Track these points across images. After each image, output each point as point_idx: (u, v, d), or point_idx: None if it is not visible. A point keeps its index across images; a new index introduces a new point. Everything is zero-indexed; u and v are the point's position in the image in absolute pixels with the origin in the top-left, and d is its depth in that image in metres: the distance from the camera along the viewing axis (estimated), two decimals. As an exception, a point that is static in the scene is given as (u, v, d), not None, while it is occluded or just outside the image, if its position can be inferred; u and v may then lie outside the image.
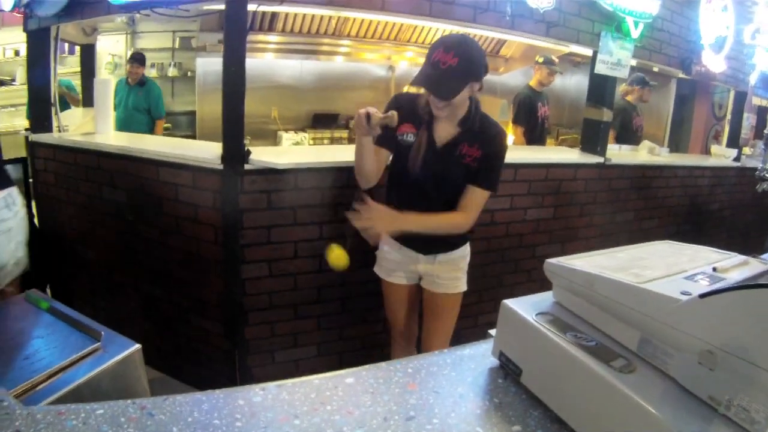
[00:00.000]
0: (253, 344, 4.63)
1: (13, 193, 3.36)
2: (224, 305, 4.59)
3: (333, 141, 10.06)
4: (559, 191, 5.61)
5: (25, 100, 8.94)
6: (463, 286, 3.97)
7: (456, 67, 3.25)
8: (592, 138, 6.16)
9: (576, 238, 5.93)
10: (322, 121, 10.35)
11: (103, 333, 2.34)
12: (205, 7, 5.02)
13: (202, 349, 4.89)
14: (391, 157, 3.78)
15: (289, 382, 1.72)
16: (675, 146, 9.48)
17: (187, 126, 10.93)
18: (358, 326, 4.90)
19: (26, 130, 7.63)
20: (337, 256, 3.69)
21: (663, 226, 7.07)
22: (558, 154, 6.00)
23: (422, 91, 3.51)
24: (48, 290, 6.22)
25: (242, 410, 1.59)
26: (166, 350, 4.86)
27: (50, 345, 2.32)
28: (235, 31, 4.22)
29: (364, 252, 4.20)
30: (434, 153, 3.59)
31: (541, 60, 7.81)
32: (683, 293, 1.42)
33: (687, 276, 1.59)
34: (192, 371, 5.00)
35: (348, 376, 1.77)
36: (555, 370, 1.61)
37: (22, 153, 9.31)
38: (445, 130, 3.61)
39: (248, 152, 4.25)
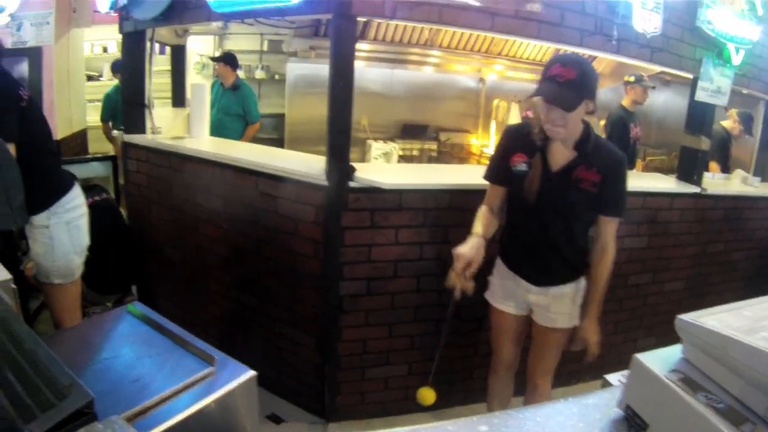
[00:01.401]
0: (345, 360, 4.65)
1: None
2: (319, 320, 4.62)
3: (422, 152, 10.05)
4: (654, 220, 5.54)
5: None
6: (575, 321, 3.88)
7: (574, 80, 3.26)
8: (689, 166, 6.05)
9: (668, 268, 5.85)
10: (412, 132, 10.33)
11: (216, 357, 2.27)
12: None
13: (291, 360, 4.91)
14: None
15: (423, 427, 1.73)
16: (761, 171, 9.28)
17: (272, 129, 10.98)
18: (452, 348, 4.83)
19: (118, 129, 7.74)
20: (425, 395, 4.00)
21: (751, 259, 6.94)
22: (655, 182, 5.92)
23: (533, 114, 3.54)
24: (134, 290, 6.31)
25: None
26: (252, 359, 4.89)
27: (159, 367, 2.25)
28: (344, 47, 4.21)
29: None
30: (549, 179, 3.56)
31: (632, 79, 7.64)
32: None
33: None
34: (279, 381, 5.01)
35: (481, 424, 1.77)
36: (683, 428, 1.59)
37: (108, 146, 9.47)
38: (559, 155, 3.57)
39: (353, 169, 4.27)
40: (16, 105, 3.87)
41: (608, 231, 3.67)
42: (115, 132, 8.59)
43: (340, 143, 4.28)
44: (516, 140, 3.71)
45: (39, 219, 3.96)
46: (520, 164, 3.64)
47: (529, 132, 3.64)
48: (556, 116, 3.36)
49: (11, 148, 3.61)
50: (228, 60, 8.87)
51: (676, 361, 1.80)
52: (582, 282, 3.86)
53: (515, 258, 3.89)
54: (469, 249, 3.52)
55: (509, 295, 3.93)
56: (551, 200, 3.56)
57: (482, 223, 3.71)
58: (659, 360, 1.80)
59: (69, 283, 4.30)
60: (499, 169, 3.79)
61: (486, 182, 3.88)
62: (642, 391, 1.79)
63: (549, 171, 3.57)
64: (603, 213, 3.62)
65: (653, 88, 7.85)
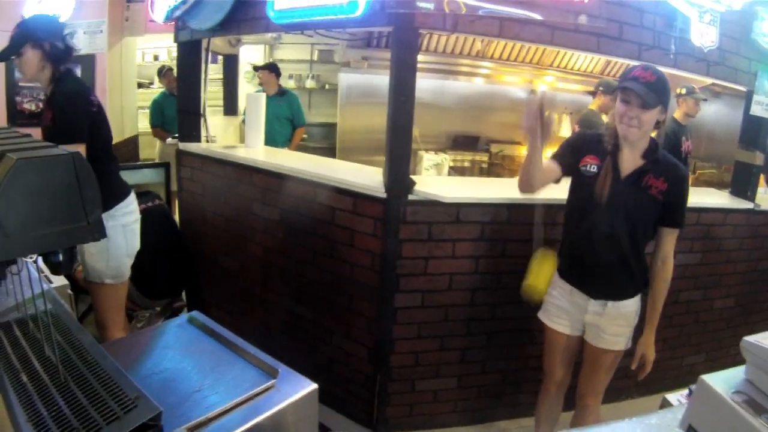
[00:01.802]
0: (396, 371, 4.66)
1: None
2: (373, 331, 4.62)
3: (473, 164, 10.04)
4: (707, 236, 5.51)
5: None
6: (627, 344, 3.88)
7: (654, 83, 3.39)
8: (742, 182, 5.99)
9: (719, 284, 5.79)
10: (463, 143, 10.33)
11: (279, 370, 2.26)
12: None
13: (342, 370, 4.92)
14: (558, 178, 3.84)
15: None
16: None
17: (321, 137, 11.07)
18: (502, 362, 4.88)
19: (173, 137, 7.84)
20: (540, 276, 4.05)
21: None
22: (708, 198, 5.86)
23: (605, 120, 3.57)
24: (183, 296, 6.35)
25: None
26: (303, 368, 4.88)
27: (221, 378, 2.25)
28: (405, 60, 4.24)
29: (515, 289, 4.21)
30: (618, 183, 3.61)
31: (683, 91, 7.51)
32: None
33: None
34: (328, 391, 5.00)
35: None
36: (746, 450, 1.59)
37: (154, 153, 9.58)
38: (629, 161, 3.63)
39: (413, 183, 4.29)
40: (88, 109, 4.07)
41: (669, 242, 3.72)
42: (169, 140, 8.69)
43: (400, 157, 4.30)
44: (590, 143, 3.78)
45: None
46: (591, 165, 3.70)
47: (599, 140, 3.72)
48: (632, 114, 3.43)
49: (81, 149, 3.72)
50: (273, 68, 9.16)
51: (739, 383, 1.82)
52: (638, 303, 3.86)
53: (577, 269, 3.88)
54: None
55: (565, 314, 3.93)
56: (621, 203, 3.60)
57: None
58: (723, 381, 1.82)
59: (119, 283, 4.43)
60: (568, 156, 3.83)
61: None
62: (705, 411, 1.81)
63: (619, 175, 3.62)
64: (665, 224, 3.68)
65: (705, 100, 7.75)
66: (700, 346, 5.87)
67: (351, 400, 4.95)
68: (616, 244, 3.66)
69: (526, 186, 3.70)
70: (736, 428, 1.63)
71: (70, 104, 4.00)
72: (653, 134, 3.67)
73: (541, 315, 4.09)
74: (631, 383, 5.27)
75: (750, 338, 1.81)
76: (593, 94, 7.74)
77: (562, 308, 3.93)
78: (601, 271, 3.72)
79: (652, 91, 3.36)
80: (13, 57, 4.06)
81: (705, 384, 1.80)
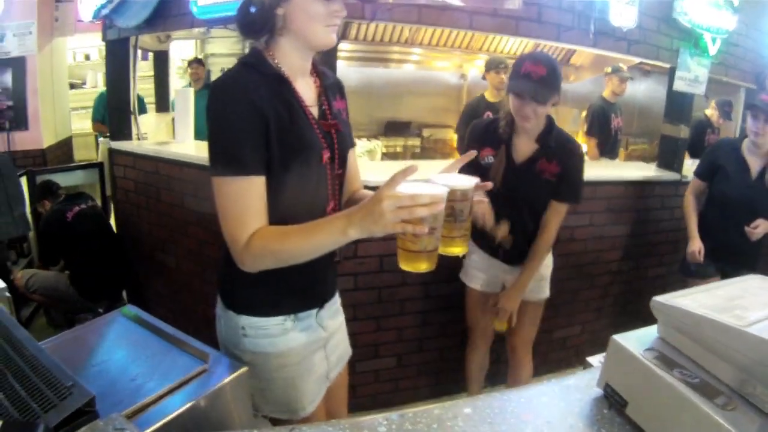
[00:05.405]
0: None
1: None
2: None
3: (406, 149, 10.08)
4: (635, 208, 5.65)
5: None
6: (545, 293, 4.09)
7: (545, 76, 3.43)
8: (669, 154, 6.16)
9: (650, 254, 5.94)
10: (395, 129, 10.34)
11: (210, 354, 2.32)
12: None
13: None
14: None
15: (410, 411, 1.79)
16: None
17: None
18: (438, 339, 4.96)
19: (105, 136, 7.77)
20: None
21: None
22: (635, 171, 5.97)
23: (501, 111, 3.67)
24: (124, 295, 6.34)
25: (368, 441, 1.66)
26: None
27: (155, 366, 2.29)
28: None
29: (448, 267, 4.29)
30: (513, 170, 3.72)
31: (609, 70, 7.68)
32: (785, 338, 1.47)
33: (787, 318, 1.62)
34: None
35: (466, 406, 1.84)
36: (661, 403, 1.66)
37: (93, 154, 9.44)
38: (523, 147, 3.74)
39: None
40: None
41: (554, 212, 3.81)
42: (101, 139, 8.66)
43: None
44: (483, 136, 3.87)
45: None
46: (488, 157, 3.80)
47: (495, 128, 3.82)
48: (528, 111, 3.52)
49: None
50: (201, 62, 9.34)
51: (651, 341, 1.88)
52: (550, 257, 4.10)
53: (489, 246, 4.00)
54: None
55: (482, 273, 4.14)
56: (516, 189, 3.71)
57: None
58: (636, 340, 1.88)
59: None
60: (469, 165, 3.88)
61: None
62: (620, 370, 1.86)
63: (513, 163, 3.74)
64: (556, 199, 3.77)
65: (630, 78, 7.88)
66: (638, 314, 5.94)
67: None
68: (519, 225, 3.80)
69: None
70: (650, 383, 1.69)
71: None
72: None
73: (462, 275, 4.28)
74: (572, 353, 5.37)
75: (659, 298, 1.89)
76: (484, 77, 7.74)
77: (481, 269, 4.12)
78: (510, 248, 3.88)
79: (545, 86, 3.44)
80: None
81: (617, 343, 1.87)
